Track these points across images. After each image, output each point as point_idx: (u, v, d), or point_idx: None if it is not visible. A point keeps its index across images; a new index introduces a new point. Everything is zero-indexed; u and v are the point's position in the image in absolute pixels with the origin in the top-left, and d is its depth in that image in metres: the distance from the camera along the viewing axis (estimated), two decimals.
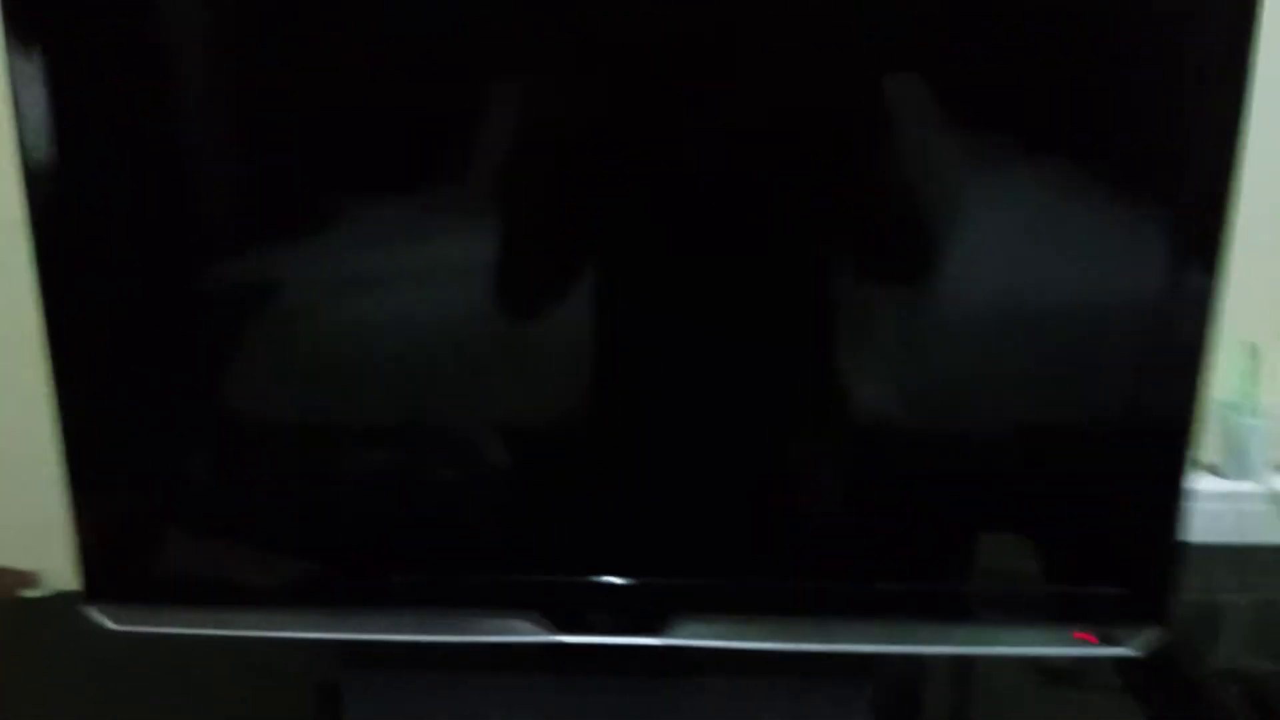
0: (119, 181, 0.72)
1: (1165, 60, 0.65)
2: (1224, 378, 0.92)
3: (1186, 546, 0.71)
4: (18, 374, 0.84)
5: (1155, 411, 0.69)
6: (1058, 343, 0.70)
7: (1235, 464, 0.94)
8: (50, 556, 0.96)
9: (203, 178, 0.73)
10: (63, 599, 0.97)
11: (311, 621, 0.76)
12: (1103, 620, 0.72)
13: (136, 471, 0.77)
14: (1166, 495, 0.70)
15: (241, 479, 0.77)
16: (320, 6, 0.68)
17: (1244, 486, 0.94)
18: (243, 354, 0.74)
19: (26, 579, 1.02)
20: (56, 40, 0.68)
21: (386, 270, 0.72)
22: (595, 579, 0.74)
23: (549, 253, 0.72)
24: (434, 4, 0.67)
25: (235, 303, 0.73)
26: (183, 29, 0.69)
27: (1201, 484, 0.94)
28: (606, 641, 0.74)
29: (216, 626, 0.76)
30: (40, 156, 0.70)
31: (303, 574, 0.77)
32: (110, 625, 0.76)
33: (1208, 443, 0.97)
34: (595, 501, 0.75)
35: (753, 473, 0.74)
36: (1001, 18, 0.65)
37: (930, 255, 0.69)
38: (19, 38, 0.68)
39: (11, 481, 1.01)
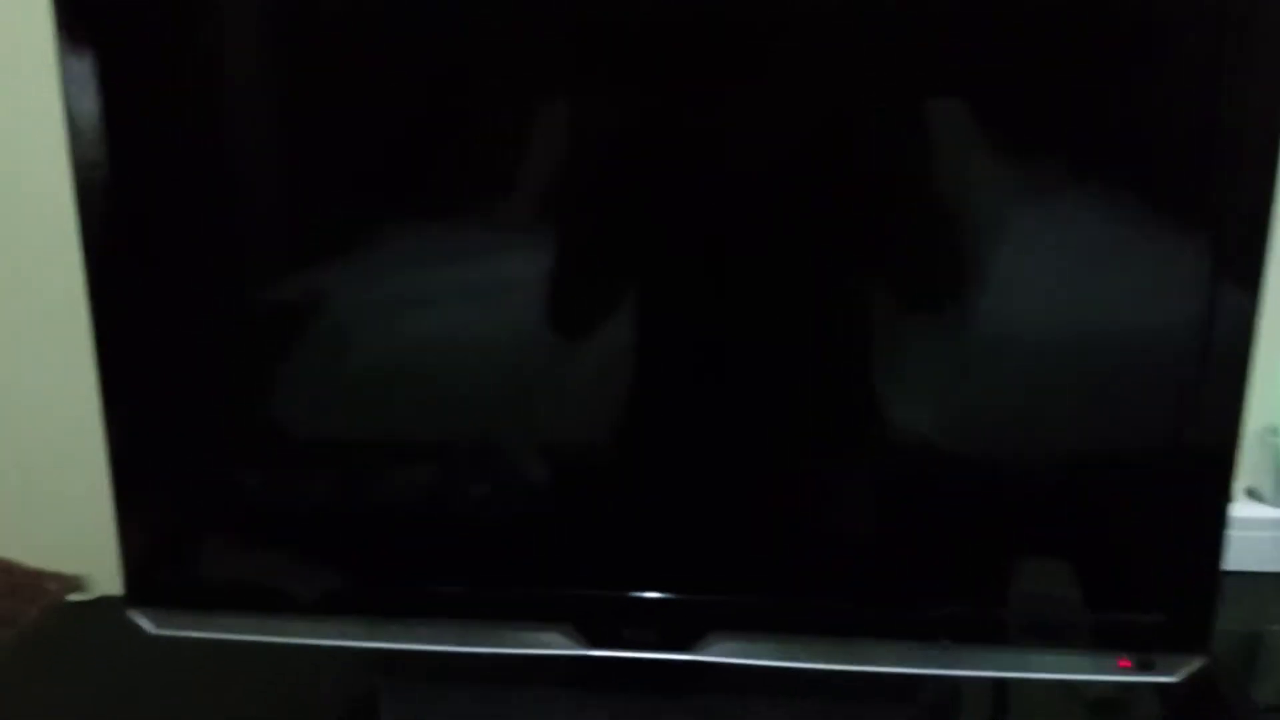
0: (171, 198, 0.74)
1: (1204, 87, 0.64)
2: (1265, 403, 0.91)
3: (1227, 574, 0.70)
4: (69, 381, 0.86)
5: (1197, 436, 0.69)
6: (1098, 367, 0.69)
7: (1277, 490, 0.93)
8: (98, 561, 0.98)
9: (253, 195, 0.74)
10: (109, 603, 0.99)
11: (349, 630, 0.77)
12: (1143, 647, 0.71)
13: (181, 480, 0.78)
14: (1208, 521, 0.70)
15: (284, 489, 0.78)
16: (373, 28, 0.69)
17: None
18: (288, 368, 0.76)
19: (74, 583, 1.04)
20: (111, 62, 0.70)
21: (432, 288, 0.73)
22: (630, 594, 0.74)
23: (595, 272, 0.72)
24: (483, 25, 0.68)
25: (283, 317, 0.75)
26: (237, 49, 0.71)
27: (1243, 510, 0.93)
28: (639, 656, 0.74)
29: (256, 633, 0.77)
30: (93, 172, 0.72)
31: (342, 583, 0.78)
32: (151, 629, 0.78)
33: (1250, 468, 0.96)
34: (631, 517, 0.75)
35: (792, 492, 0.74)
36: (1042, 43, 0.65)
37: (970, 279, 0.69)
38: (73, 65, 0.70)
39: (61, 487, 1.03)
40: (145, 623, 0.78)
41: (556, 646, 0.75)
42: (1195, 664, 0.71)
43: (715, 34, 0.67)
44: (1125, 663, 0.71)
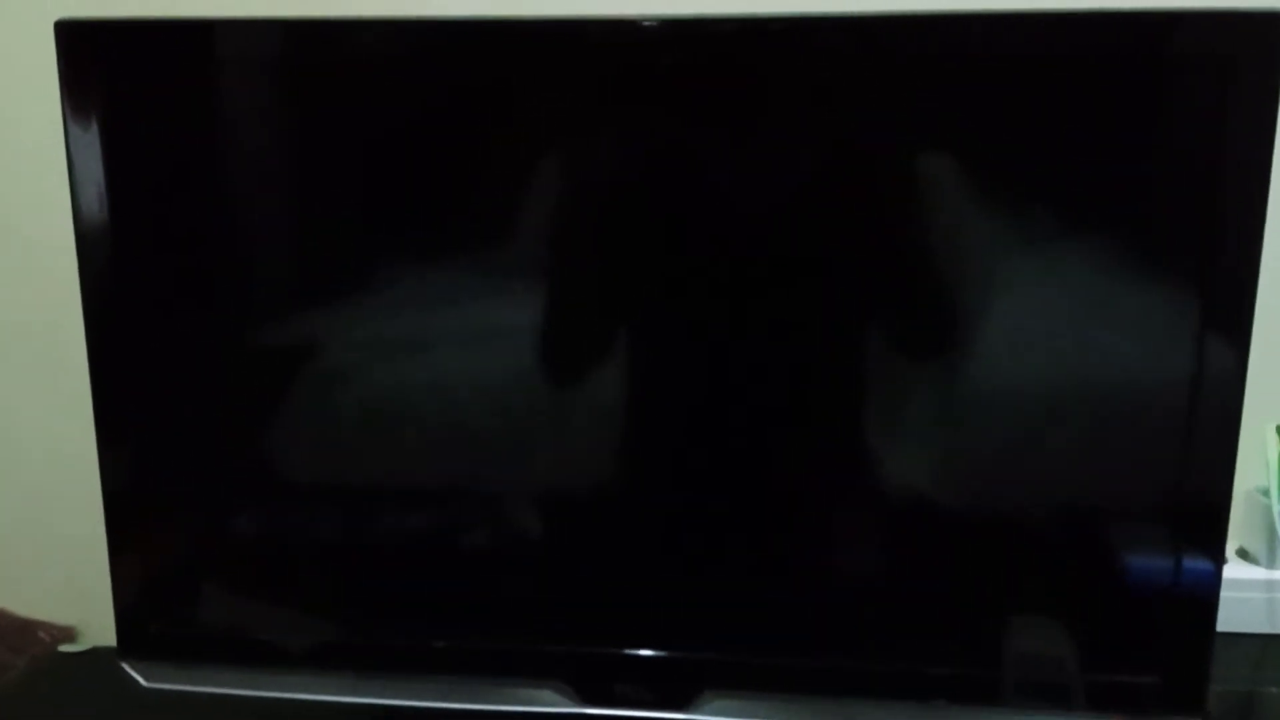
0: (169, 244, 0.75)
1: (1194, 146, 0.65)
2: (1254, 463, 0.91)
3: (1219, 635, 0.70)
4: (65, 429, 0.87)
5: (1189, 496, 0.69)
6: (1089, 425, 0.70)
7: (1269, 551, 0.93)
8: (90, 612, 0.98)
9: (250, 241, 0.75)
10: (100, 654, 0.99)
11: (342, 685, 0.76)
12: (1138, 709, 0.71)
13: (175, 529, 0.78)
14: (1201, 581, 0.70)
15: (277, 540, 0.78)
16: (370, 78, 0.70)
17: (1278, 575, 0.92)
18: (284, 414, 0.76)
19: (66, 633, 1.03)
20: (110, 103, 0.71)
21: (427, 333, 0.73)
22: (624, 650, 0.74)
23: (589, 318, 0.73)
24: (479, 74, 0.69)
25: (279, 362, 0.75)
26: (235, 95, 0.73)
27: (1234, 571, 0.93)
28: (632, 715, 0.74)
29: (248, 687, 0.77)
30: (92, 215, 0.73)
31: (334, 636, 0.78)
32: (143, 682, 0.77)
33: (1240, 528, 0.96)
34: (625, 572, 0.75)
35: (786, 549, 0.74)
36: (1035, 100, 0.67)
37: (964, 333, 0.70)
38: (76, 118, 0.71)
39: (55, 536, 1.03)
40: (137, 675, 0.77)
41: (549, 704, 0.75)
42: None
43: (709, 85, 0.68)
44: None
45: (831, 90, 0.68)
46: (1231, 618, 0.85)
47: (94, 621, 1.02)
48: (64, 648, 1.01)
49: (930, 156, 0.68)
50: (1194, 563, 0.70)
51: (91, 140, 0.72)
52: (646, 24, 0.66)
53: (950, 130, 0.68)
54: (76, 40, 0.70)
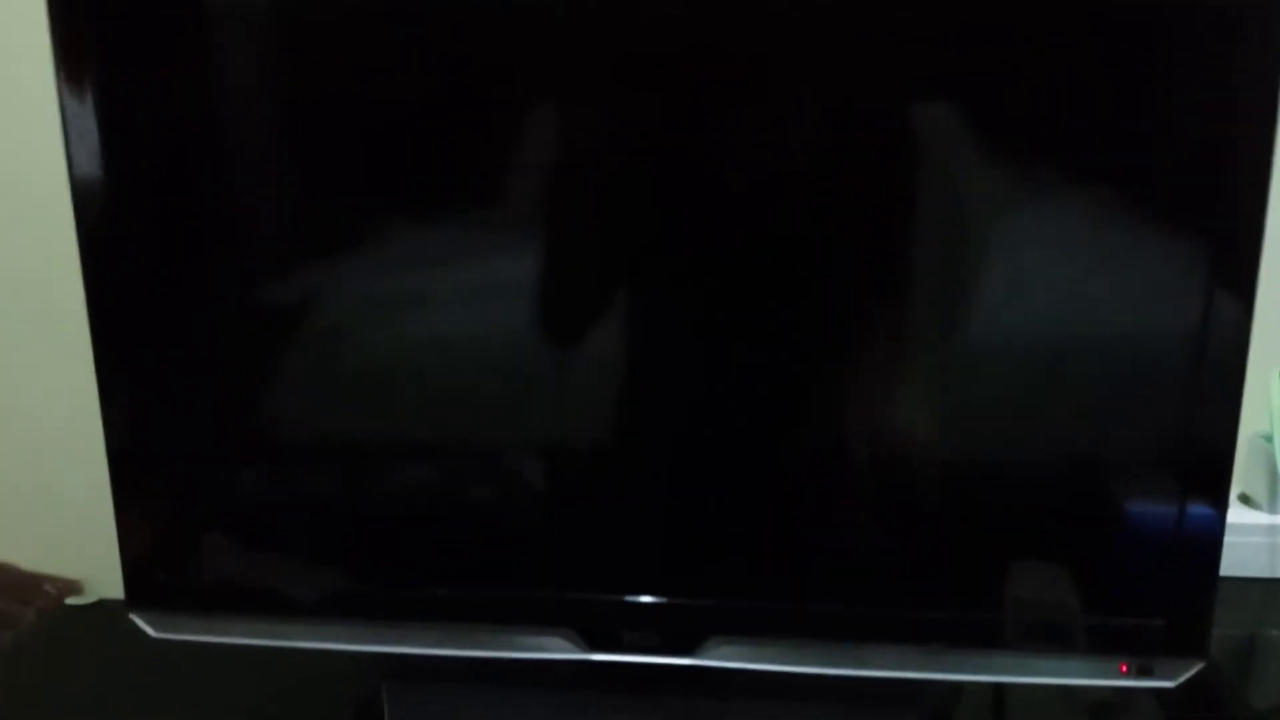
0: (166, 199, 0.74)
1: (1201, 93, 0.65)
2: (1258, 409, 0.92)
3: (1222, 579, 0.71)
4: (67, 384, 0.86)
5: (1193, 442, 0.69)
6: (1094, 373, 0.70)
7: (1271, 496, 0.93)
8: (96, 564, 0.99)
9: (248, 195, 0.74)
10: (107, 606, 0.99)
11: (350, 633, 0.77)
12: (1141, 652, 0.72)
13: (180, 482, 0.78)
14: (1205, 526, 0.70)
15: (283, 490, 0.78)
16: (368, 30, 0.70)
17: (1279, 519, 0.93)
18: (286, 369, 0.75)
19: (73, 587, 1.04)
20: (105, 60, 0.71)
21: (428, 289, 0.73)
22: (630, 598, 0.75)
23: (590, 275, 0.73)
24: (479, 27, 0.68)
25: (280, 318, 0.75)
26: (231, 50, 0.71)
27: (1237, 516, 0.93)
28: (638, 660, 0.74)
29: (255, 636, 0.77)
30: (88, 172, 0.72)
31: (342, 586, 0.78)
32: (151, 633, 0.78)
33: (1243, 474, 0.97)
34: (631, 520, 0.75)
35: (791, 495, 0.74)
36: (1037, 48, 0.66)
37: (966, 283, 0.69)
38: (69, 63, 0.70)
39: (59, 489, 1.04)
40: (145, 625, 0.78)
41: (556, 650, 0.75)
42: (1193, 668, 0.71)
43: (708, 37, 0.67)
44: (1124, 667, 0.72)
45: (825, 38, 0.67)
46: (1234, 562, 0.86)
47: (100, 575, 1.02)
48: (70, 600, 1.01)
49: (929, 109, 0.67)
50: (1198, 508, 0.70)
51: (85, 96, 0.71)
52: None
53: (949, 82, 0.67)
54: None
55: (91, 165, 0.72)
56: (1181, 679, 0.71)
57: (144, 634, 0.78)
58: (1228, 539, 0.71)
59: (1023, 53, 0.66)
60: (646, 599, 0.74)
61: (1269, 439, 0.93)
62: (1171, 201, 0.67)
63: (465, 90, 0.70)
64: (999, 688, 0.83)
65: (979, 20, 0.66)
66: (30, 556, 1.06)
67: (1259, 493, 0.95)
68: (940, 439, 0.73)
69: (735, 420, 0.73)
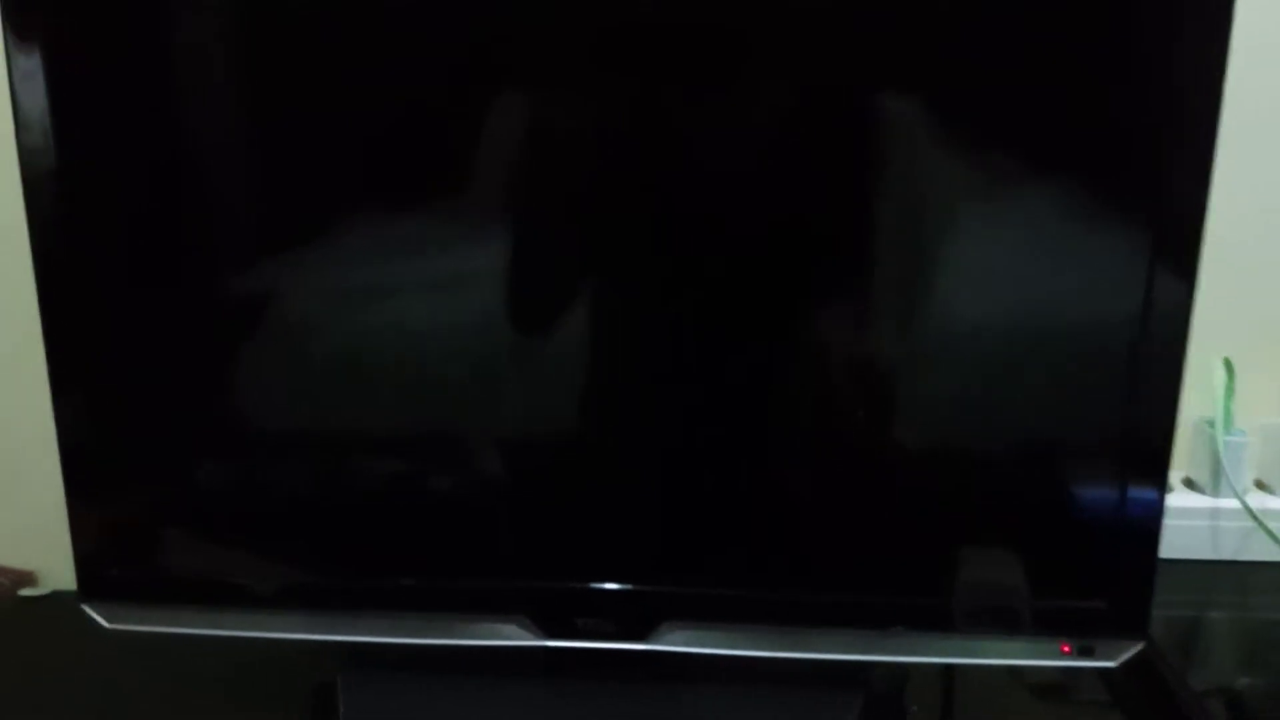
0: (124, 187, 0.73)
1: (1144, 81, 0.66)
2: (1201, 395, 0.93)
3: (1166, 562, 0.72)
4: (19, 373, 0.85)
5: (1135, 427, 0.71)
6: (1038, 359, 0.71)
7: (1214, 480, 0.95)
8: (50, 555, 0.98)
9: (207, 184, 0.74)
10: (61, 598, 0.98)
11: (304, 623, 0.77)
12: (1083, 633, 0.73)
13: (133, 472, 0.78)
14: (1146, 510, 0.71)
15: (239, 481, 0.78)
16: (332, 20, 0.69)
17: (1223, 503, 0.95)
18: (244, 360, 0.75)
19: (26, 578, 1.03)
20: (61, 51, 0.70)
21: (391, 280, 0.73)
22: (584, 584, 0.75)
23: (555, 265, 0.73)
24: (441, 16, 0.68)
25: (239, 309, 0.74)
26: (191, 38, 0.71)
27: (1180, 500, 0.95)
28: (593, 647, 0.75)
29: (210, 626, 0.77)
30: (43, 163, 0.71)
31: (298, 576, 0.78)
32: (105, 624, 0.78)
33: (1186, 459, 0.98)
34: (585, 508, 0.76)
35: (743, 482, 0.75)
36: (989, 42, 0.67)
37: (913, 273, 0.71)
38: (19, 41, 0.70)
39: (12, 480, 1.02)
40: (99, 616, 0.78)
41: (511, 638, 0.76)
42: (1134, 649, 0.73)
43: (673, 26, 0.68)
44: (1066, 648, 0.73)
45: (789, 33, 0.68)
46: (1177, 544, 0.89)
47: (54, 566, 1.01)
48: (24, 592, 1.01)
49: (884, 103, 0.68)
50: (1139, 491, 0.71)
51: (36, 77, 0.70)
52: None
53: (905, 77, 0.68)
54: None
55: (43, 153, 0.71)
56: (1121, 659, 0.73)
57: (98, 625, 0.78)
58: (1172, 522, 0.72)
59: (973, 49, 0.67)
60: (600, 585, 0.75)
61: (1212, 424, 0.94)
62: (1114, 190, 0.68)
63: (429, 80, 0.70)
64: (947, 670, 0.85)
65: (931, 16, 0.67)
66: None
67: (1202, 477, 0.97)
68: (891, 426, 0.74)
69: (690, 408, 0.74)
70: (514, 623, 0.76)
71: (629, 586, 0.75)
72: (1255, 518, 0.92)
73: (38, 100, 0.70)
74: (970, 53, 0.67)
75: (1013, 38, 0.67)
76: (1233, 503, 0.94)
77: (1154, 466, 0.71)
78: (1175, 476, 0.98)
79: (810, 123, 0.69)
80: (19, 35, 0.69)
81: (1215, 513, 0.95)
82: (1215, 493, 0.95)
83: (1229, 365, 0.93)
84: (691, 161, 0.70)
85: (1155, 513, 0.72)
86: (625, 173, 0.70)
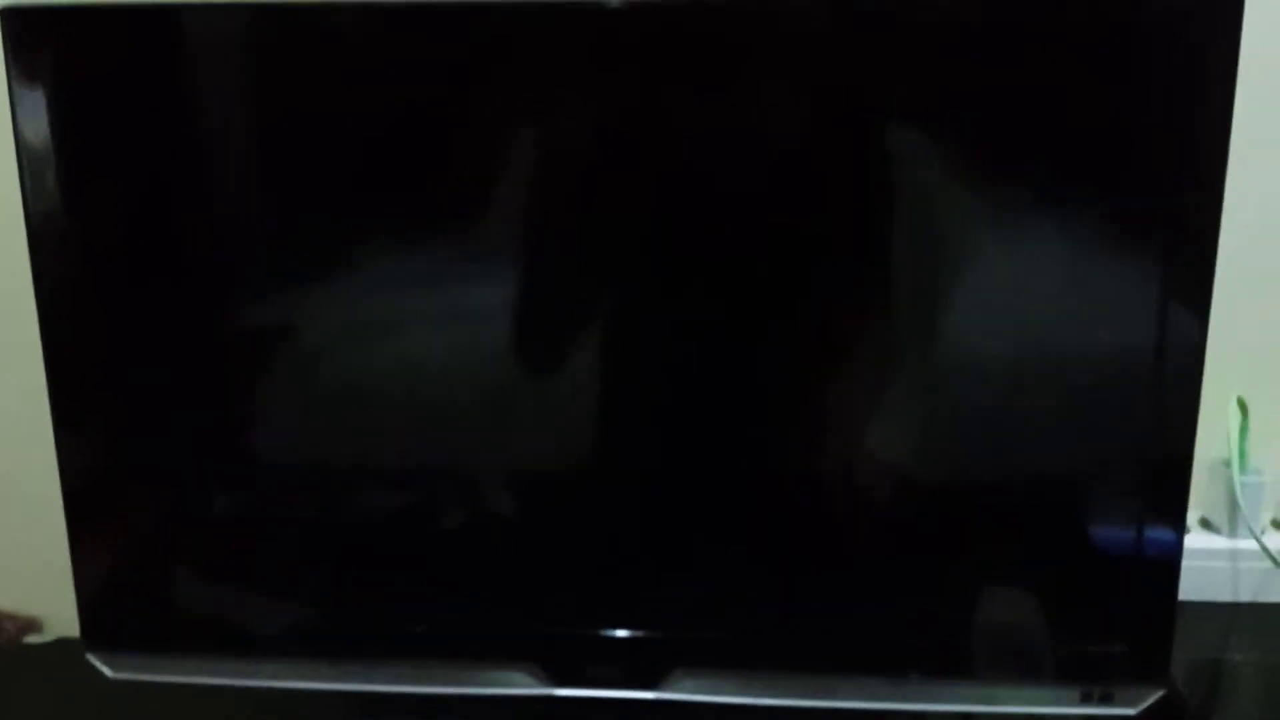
0: (126, 222, 0.73)
1: (1158, 117, 0.66)
2: (1217, 435, 0.92)
3: (1184, 604, 0.71)
4: (27, 411, 0.85)
5: (1151, 467, 0.70)
6: (1053, 397, 0.70)
7: (1230, 521, 0.94)
8: (56, 601, 0.97)
9: (216, 218, 0.73)
10: (66, 645, 0.97)
11: (310, 671, 0.76)
12: (1103, 679, 0.72)
13: (138, 516, 0.77)
14: (1164, 552, 0.70)
15: (245, 526, 0.77)
16: (341, 54, 0.69)
17: (1240, 544, 0.94)
18: (253, 397, 0.75)
19: (31, 625, 1.02)
20: (68, 86, 0.70)
21: (403, 314, 0.72)
22: (593, 631, 0.74)
23: (565, 300, 0.72)
24: (451, 52, 0.68)
25: (244, 343, 0.74)
26: (205, 74, 0.71)
27: (1197, 541, 0.94)
28: (603, 695, 0.74)
29: (218, 675, 0.76)
30: (44, 196, 0.71)
31: (305, 623, 0.77)
32: (109, 673, 0.77)
33: (1203, 500, 0.97)
34: (595, 553, 0.75)
35: (756, 525, 0.74)
36: (998, 69, 0.67)
37: (928, 305, 0.70)
38: (24, 98, 0.70)
39: (19, 524, 1.02)
40: (103, 666, 0.77)
41: (520, 686, 0.74)
42: (1154, 695, 0.71)
43: (685, 60, 0.67)
44: (1086, 695, 0.72)
45: (799, 62, 0.67)
46: (1195, 587, 0.87)
47: (60, 612, 1.00)
48: (29, 639, 0.99)
49: (897, 128, 0.68)
50: (1156, 532, 0.70)
51: (42, 126, 0.70)
52: (614, 6, 0.66)
53: (916, 100, 0.68)
54: (23, 28, 0.69)
55: (48, 187, 0.71)
56: (1142, 706, 0.71)
57: (102, 675, 0.77)
58: (1189, 564, 0.71)
59: (989, 79, 0.67)
60: (610, 632, 0.74)
61: (1228, 464, 0.93)
62: (1126, 226, 0.68)
63: (440, 116, 0.70)
64: (966, 718, 0.83)
65: (943, 42, 0.67)
66: None
67: (1219, 517, 0.95)
68: (908, 465, 0.73)
69: (705, 450, 0.73)
70: (522, 670, 0.74)
71: (640, 633, 0.74)
72: (1273, 558, 0.91)
73: (42, 144, 0.70)
74: (990, 87, 0.67)
75: (1026, 68, 0.67)
76: (1250, 543, 0.92)
77: (1171, 506, 0.70)
78: (1191, 517, 0.97)
79: (828, 154, 0.69)
80: (22, 85, 0.70)
81: (1233, 554, 0.94)
82: (1232, 533, 0.94)
83: (1243, 405, 0.92)
84: (703, 198, 0.69)
85: (1174, 554, 0.70)
86: (635, 208, 0.70)
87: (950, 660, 0.73)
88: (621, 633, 0.74)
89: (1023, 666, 0.73)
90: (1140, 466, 0.70)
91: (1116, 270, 0.68)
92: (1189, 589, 0.73)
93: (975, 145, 0.68)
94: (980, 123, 0.68)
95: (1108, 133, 0.67)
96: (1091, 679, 0.72)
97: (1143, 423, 0.69)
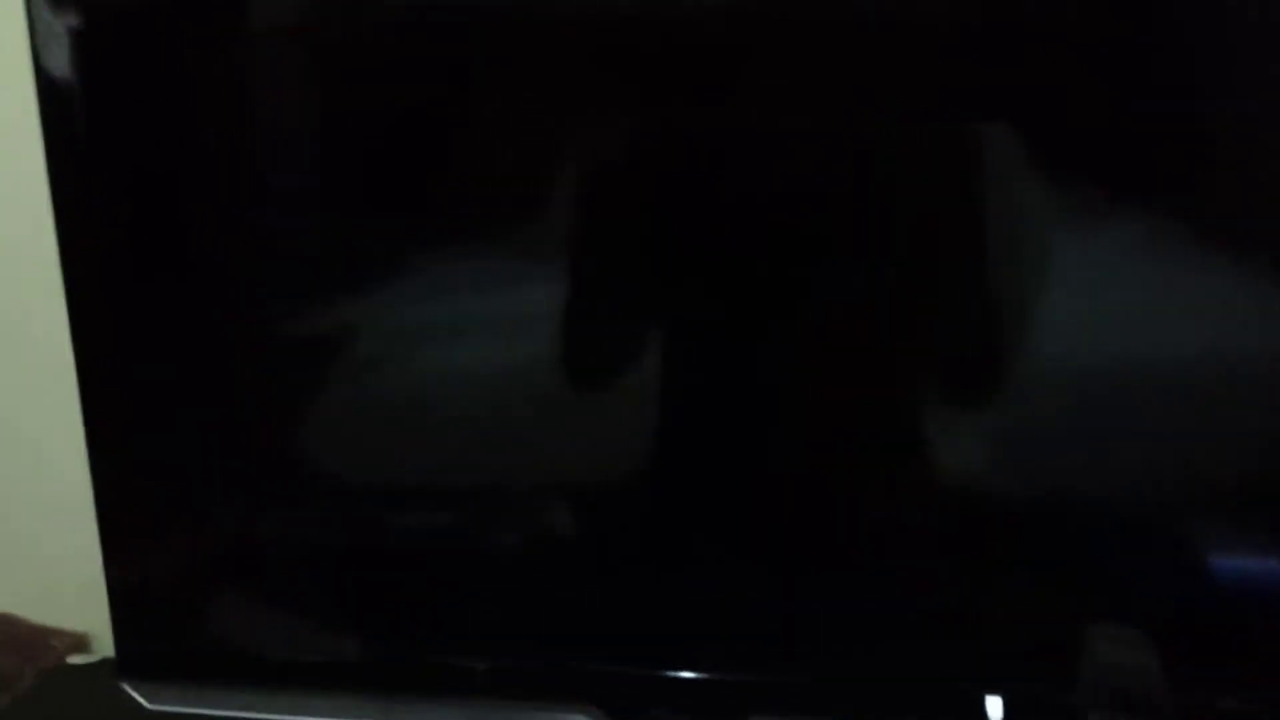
0: (169, 227, 0.71)
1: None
2: None
3: None
4: (73, 429, 0.83)
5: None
6: (1175, 412, 0.65)
7: None
8: (104, 617, 0.95)
9: (262, 223, 0.71)
10: (109, 666, 0.95)
11: (358, 707, 0.73)
12: None
13: (177, 541, 0.75)
14: None
15: (288, 549, 0.75)
16: (396, 57, 0.67)
17: None
18: (291, 416, 0.72)
19: (80, 642, 1.00)
20: (99, 91, 0.68)
21: (458, 318, 0.70)
22: (660, 672, 0.70)
23: (619, 314, 0.69)
24: (508, 54, 0.66)
25: (295, 355, 0.71)
26: (257, 76, 0.69)
27: None
28: None
29: (259, 709, 0.74)
30: (77, 201, 0.69)
31: (349, 654, 0.74)
32: (145, 704, 0.75)
33: None
34: (662, 585, 0.71)
35: (833, 560, 0.70)
36: (1100, 71, 0.62)
37: (1027, 316, 0.65)
38: (54, 90, 0.67)
39: (66, 538, 1.00)
40: (139, 696, 0.75)
41: None
42: None
43: (746, 65, 0.64)
44: None
45: (866, 66, 0.63)
46: None
47: (108, 629, 0.99)
48: (73, 658, 0.98)
49: (980, 129, 0.64)
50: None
51: (76, 119, 0.68)
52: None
53: (1014, 103, 0.63)
54: (54, 11, 0.66)
55: (82, 189, 0.69)
56: None
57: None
58: None
59: (1085, 75, 0.62)
60: (677, 673, 0.70)
61: None
62: (1237, 222, 0.62)
63: (493, 116, 0.67)
64: None
65: (1045, 40, 0.61)
66: (38, 609, 1.02)
67: None
68: (1000, 494, 0.68)
69: (777, 477, 0.69)
70: (581, 712, 0.71)
71: (709, 675, 0.69)
72: None
73: (71, 138, 0.68)
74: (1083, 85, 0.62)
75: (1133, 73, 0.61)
76: None
77: None
78: None
79: (898, 157, 0.64)
80: (51, 74, 0.67)
81: None
82: None
83: None
84: (768, 203, 0.65)
85: None
86: (695, 213, 0.66)
87: (1054, 707, 0.67)
88: (689, 674, 0.70)
89: (1131, 715, 0.67)
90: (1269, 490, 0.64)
91: (1248, 277, 0.63)
92: None
93: (1074, 142, 0.63)
94: (1083, 118, 0.62)
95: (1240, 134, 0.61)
96: None
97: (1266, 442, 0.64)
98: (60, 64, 0.67)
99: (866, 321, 0.66)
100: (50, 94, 0.67)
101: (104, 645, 1.00)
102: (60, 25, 0.66)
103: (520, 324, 0.68)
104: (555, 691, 0.71)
